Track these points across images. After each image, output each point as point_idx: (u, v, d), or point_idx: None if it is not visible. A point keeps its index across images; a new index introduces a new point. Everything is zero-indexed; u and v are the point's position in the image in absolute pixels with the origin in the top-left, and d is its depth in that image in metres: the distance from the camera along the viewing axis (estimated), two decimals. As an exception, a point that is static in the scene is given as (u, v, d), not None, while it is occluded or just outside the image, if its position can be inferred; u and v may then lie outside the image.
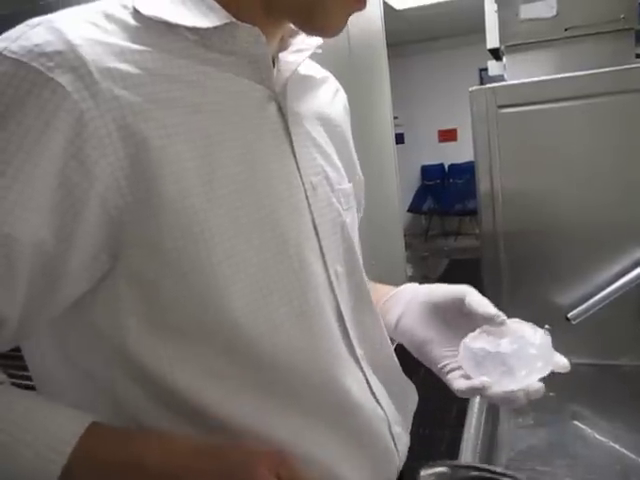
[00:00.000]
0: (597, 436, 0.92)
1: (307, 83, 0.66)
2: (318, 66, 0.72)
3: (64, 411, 0.47)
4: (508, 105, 1.10)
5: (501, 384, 0.58)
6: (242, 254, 0.51)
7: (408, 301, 0.70)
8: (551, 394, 1.05)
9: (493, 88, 1.12)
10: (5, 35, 0.45)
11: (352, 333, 0.61)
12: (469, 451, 0.84)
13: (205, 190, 0.49)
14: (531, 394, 0.58)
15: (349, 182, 0.69)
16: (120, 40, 0.47)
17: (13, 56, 0.42)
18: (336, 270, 0.60)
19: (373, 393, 0.63)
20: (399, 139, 5.49)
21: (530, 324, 0.62)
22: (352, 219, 0.67)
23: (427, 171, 6.86)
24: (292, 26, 0.60)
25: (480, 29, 1.45)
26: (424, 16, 5.26)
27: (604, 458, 0.86)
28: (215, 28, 0.50)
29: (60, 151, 0.43)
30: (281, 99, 0.57)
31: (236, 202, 0.51)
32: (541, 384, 0.59)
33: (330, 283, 0.59)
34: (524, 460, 0.87)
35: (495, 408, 1.00)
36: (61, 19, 0.45)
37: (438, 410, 2.53)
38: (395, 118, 3.52)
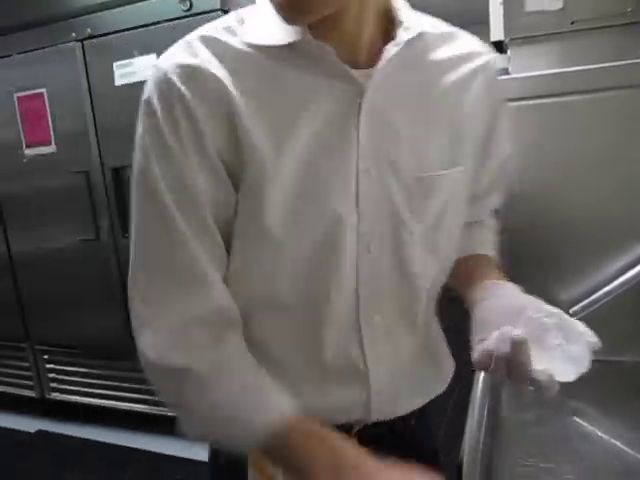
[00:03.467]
0: (599, 433, 0.92)
1: (425, 69, 0.69)
2: (473, 46, 0.73)
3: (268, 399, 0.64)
4: (512, 99, 1.09)
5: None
6: (290, 221, 0.64)
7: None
8: (552, 390, 1.06)
9: (497, 81, 1.10)
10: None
11: (364, 305, 0.69)
12: (471, 445, 0.84)
13: (273, 169, 0.62)
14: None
15: (452, 167, 0.70)
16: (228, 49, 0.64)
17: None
18: (371, 255, 0.68)
19: (364, 354, 0.71)
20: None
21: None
22: (440, 206, 0.70)
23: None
24: (397, 16, 0.67)
25: (483, 21, 1.43)
26: (425, 8, 5.21)
27: (605, 455, 0.85)
28: (290, 44, 0.62)
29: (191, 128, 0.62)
30: (364, 90, 0.64)
31: (295, 182, 0.63)
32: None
33: (356, 266, 0.68)
34: (526, 457, 0.86)
35: (497, 402, 1.00)
36: (193, 38, 0.64)
37: (439, 402, 2.53)
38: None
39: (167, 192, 0.62)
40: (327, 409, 0.71)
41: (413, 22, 0.67)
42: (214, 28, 0.65)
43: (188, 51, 0.63)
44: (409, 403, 0.80)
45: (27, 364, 2.93)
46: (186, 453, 2.42)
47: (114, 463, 2.51)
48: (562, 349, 0.62)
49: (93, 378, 2.77)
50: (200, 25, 0.65)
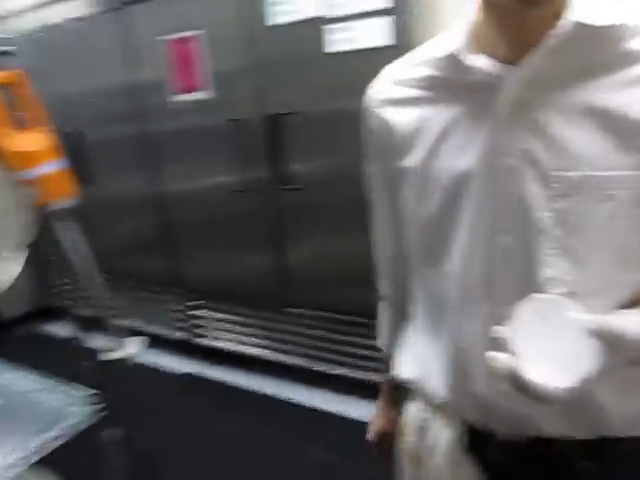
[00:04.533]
0: None
1: (606, 60, 0.62)
2: None
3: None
4: None
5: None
6: (417, 209, 0.75)
7: None
8: None
9: None
10: None
11: (496, 295, 0.68)
12: None
13: (410, 158, 0.74)
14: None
15: (618, 170, 0.62)
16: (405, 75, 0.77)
17: None
18: (500, 241, 0.67)
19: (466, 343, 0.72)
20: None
21: None
22: (590, 211, 0.63)
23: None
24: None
25: None
26: None
27: None
28: (446, 57, 0.70)
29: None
30: (502, 82, 0.64)
31: (425, 169, 0.72)
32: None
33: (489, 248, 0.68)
34: None
35: None
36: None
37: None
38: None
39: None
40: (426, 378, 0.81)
41: (593, 11, 0.62)
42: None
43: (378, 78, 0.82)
44: (543, 425, 0.70)
45: (179, 308, 3.01)
46: (339, 409, 2.40)
47: (264, 411, 2.55)
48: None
49: (242, 326, 2.80)
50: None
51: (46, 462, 1.69)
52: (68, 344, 3.34)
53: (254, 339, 2.77)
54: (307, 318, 2.49)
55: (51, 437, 1.25)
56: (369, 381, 2.27)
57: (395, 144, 0.76)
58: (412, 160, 0.74)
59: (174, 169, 2.70)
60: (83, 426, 1.31)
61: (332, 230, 2.23)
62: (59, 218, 1.16)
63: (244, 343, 2.82)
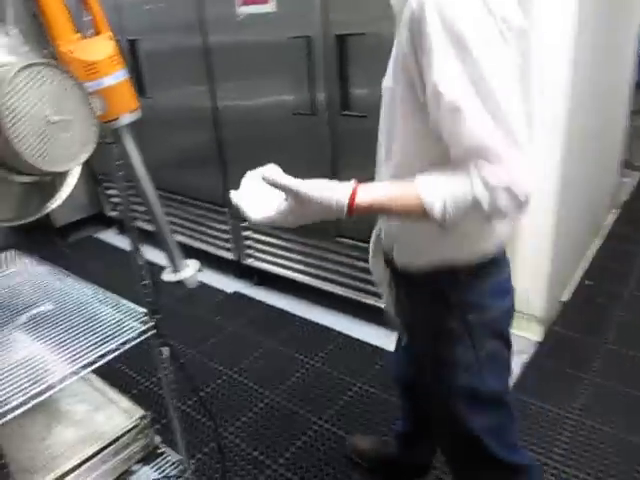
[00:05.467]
0: None
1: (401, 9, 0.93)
2: None
3: None
4: None
5: None
6: None
7: None
8: None
9: None
10: None
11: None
12: None
13: None
14: None
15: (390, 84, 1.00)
16: None
17: None
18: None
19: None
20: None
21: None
22: (389, 109, 1.02)
23: None
24: None
25: None
26: None
27: None
28: None
29: None
30: None
31: None
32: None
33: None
34: None
35: None
36: None
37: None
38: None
39: None
40: None
41: None
42: None
43: None
44: (395, 255, 1.13)
45: (226, 228, 3.01)
46: (380, 342, 2.41)
47: (308, 336, 2.58)
48: None
49: (291, 252, 2.78)
50: None
51: (100, 374, 1.75)
52: (121, 253, 3.43)
53: (303, 266, 2.76)
54: (357, 249, 2.45)
55: (106, 350, 1.26)
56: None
57: None
58: None
59: (232, 85, 2.60)
60: (135, 341, 1.31)
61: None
62: (121, 132, 1.11)
63: (292, 269, 2.81)
